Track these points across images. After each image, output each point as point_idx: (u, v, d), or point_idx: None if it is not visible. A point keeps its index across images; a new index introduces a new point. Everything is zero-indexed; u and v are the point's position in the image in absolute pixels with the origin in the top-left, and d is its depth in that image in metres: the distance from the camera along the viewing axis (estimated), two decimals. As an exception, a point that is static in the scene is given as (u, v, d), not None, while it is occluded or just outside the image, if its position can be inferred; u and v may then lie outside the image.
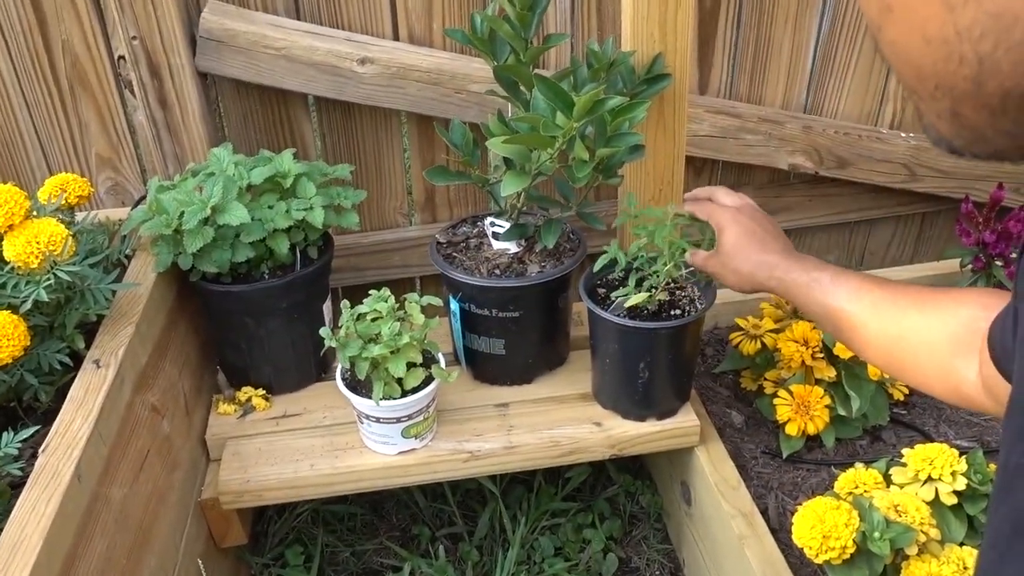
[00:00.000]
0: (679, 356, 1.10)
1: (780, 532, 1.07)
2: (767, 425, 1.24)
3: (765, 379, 1.26)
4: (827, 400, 1.18)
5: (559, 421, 1.16)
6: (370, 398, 1.03)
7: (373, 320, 1.04)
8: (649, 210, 1.11)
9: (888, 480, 1.01)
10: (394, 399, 1.04)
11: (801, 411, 1.17)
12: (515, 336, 1.16)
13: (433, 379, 1.07)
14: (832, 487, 1.03)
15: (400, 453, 1.11)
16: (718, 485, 1.11)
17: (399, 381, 1.04)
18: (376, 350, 1.01)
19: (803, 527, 0.93)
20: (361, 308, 1.04)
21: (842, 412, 1.18)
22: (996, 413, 0.71)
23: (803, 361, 1.19)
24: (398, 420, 1.07)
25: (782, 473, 1.17)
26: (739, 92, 1.50)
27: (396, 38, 1.36)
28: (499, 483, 1.34)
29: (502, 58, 1.10)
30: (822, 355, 1.20)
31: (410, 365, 1.04)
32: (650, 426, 1.15)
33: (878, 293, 0.82)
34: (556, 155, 1.01)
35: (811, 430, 1.17)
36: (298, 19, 1.32)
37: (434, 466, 1.12)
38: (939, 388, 0.76)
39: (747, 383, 1.30)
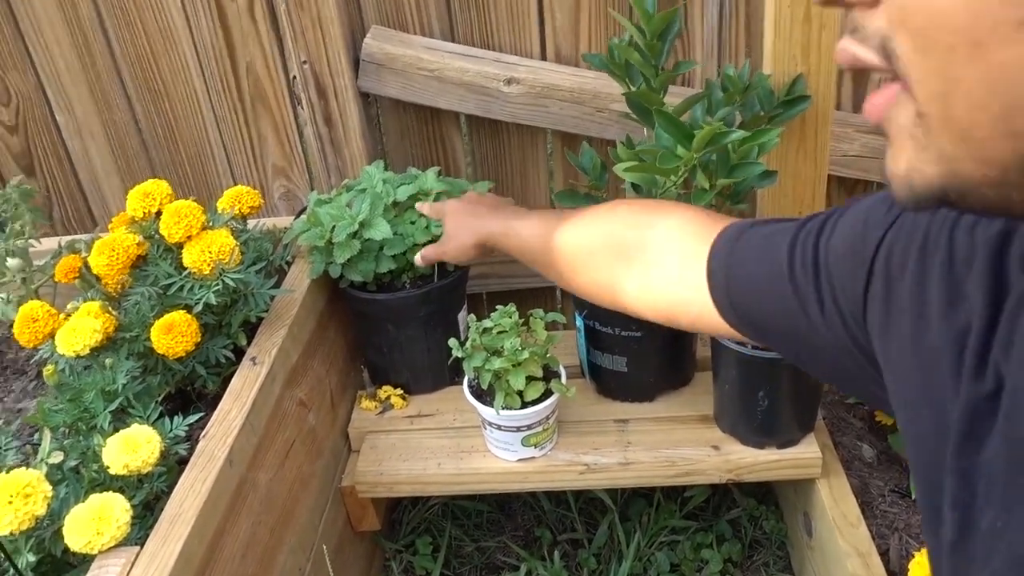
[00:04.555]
0: (800, 387, 1.09)
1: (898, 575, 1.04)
2: (900, 462, 1.20)
3: (901, 414, 1.21)
4: (966, 442, 1.12)
5: (677, 441, 1.17)
6: (492, 407, 1.10)
7: (498, 333, 1.11)
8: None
9: None
10: (514, 410, 1.10)
11: (935, 452, 1.12)
12: (637, 354, 1.19)
13: (552, 393, 1.12)
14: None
15: (520, 460, 1.17)
16: (836, 520, 1.09)
17: (519, 393, 1.10)
18: (498, 363, 1.07)
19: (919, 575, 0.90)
20: (487, 322, 1.11)
21: (983, 456, 1.11)
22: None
23: (942, 399, 1.14)
24: (518, 429, 1.13)
25: (910, 514, 1.13)
26: (896, 111, 1.43)
27: (544, 57, 1.41)
28: (619, 496, 1.37)
29: (637, 84, 1.12)
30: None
31: (530, 379, 1.09)
32: (768, 454, 1.14)
33: (567, 217, 0.88)
34: (680, 182, 1.03)
35: (945, 473, 1.11)
36: (453, 41, 1.40)
37: (551, 475, 1.17)
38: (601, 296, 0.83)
39: (882, 416, 1.25)
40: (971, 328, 0.42)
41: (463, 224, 1.06)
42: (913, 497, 1.14)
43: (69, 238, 1.24)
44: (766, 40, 1.17)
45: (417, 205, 1.19)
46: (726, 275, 0.68)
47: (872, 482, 1.18)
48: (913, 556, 0.97)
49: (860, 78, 1.41)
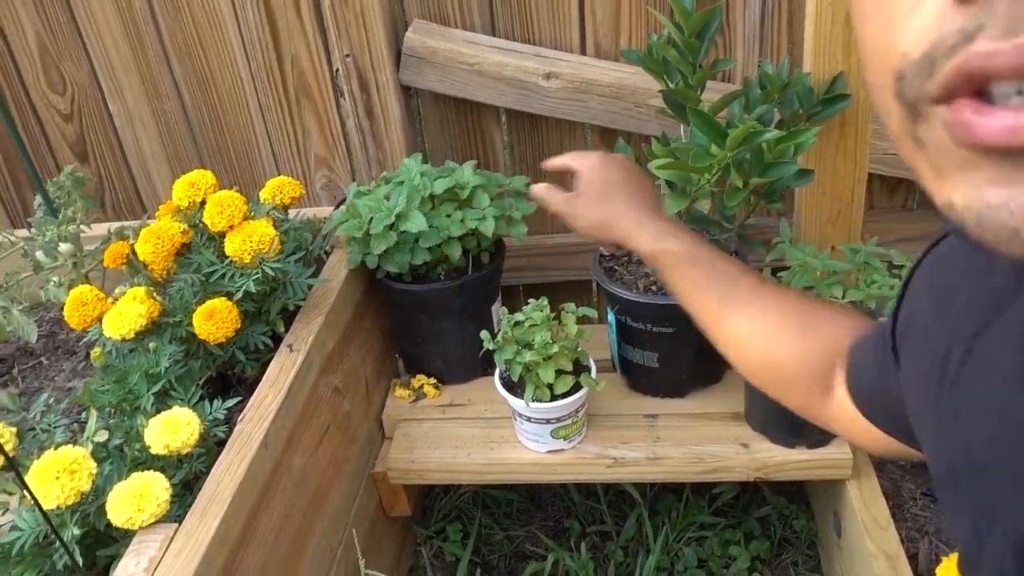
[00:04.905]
0: (832, 388, 1.08)
1: (927, 580, 1.03)
2: (933, 466, 1.18)
3: (936, 418, 1.19)
4: (1002, 448, 1.10)
5: (706, 438, 1.18)
6: (522, 398, 1.11)
7: (529, 327, 1.12)
8: (802, 246, 1.10)
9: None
10: (543, 402, 1.11)
11: (969, 457, 1.11)
12: (669, 351, 1.19)
13: (582, 387, 1.13)
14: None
15: (549, 452, 1.18)
16: (866, 522, 1.08)
17: (549, 386, 1.11)
18: (528, 356, 1.09)
19: (945, 580, 0.90)
20: (518, 316, 1.12)
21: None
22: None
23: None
24: (547, 421, 1.14)
25: (940, 519, 1.12)
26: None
27: (583, 52, 1.41)
28: (648, 490, 1.38)
29: (675, 80, 1.13)
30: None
31: (560, 372, 1.11)
32: (799, 453, 1.14)
33: (767, 298, 0.76)
34: (714, 180, 1.03)
35: (978, 478, 1.10)
36: (493, 35, 1.41)
37: (579, 468, 1.18)
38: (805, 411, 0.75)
39: (917, 419, 1.24)
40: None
41: (606, 196, 0.93)
42: (945, 502, 1.13)
43: (118, 224, 1.28)
44: (806, 38, 1.16)
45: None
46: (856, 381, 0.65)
47: (904, 485, 1.17)
48: (942, 561, 0.96)
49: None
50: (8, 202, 1.70)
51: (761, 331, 0.76)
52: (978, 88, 0.29)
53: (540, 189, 1.04)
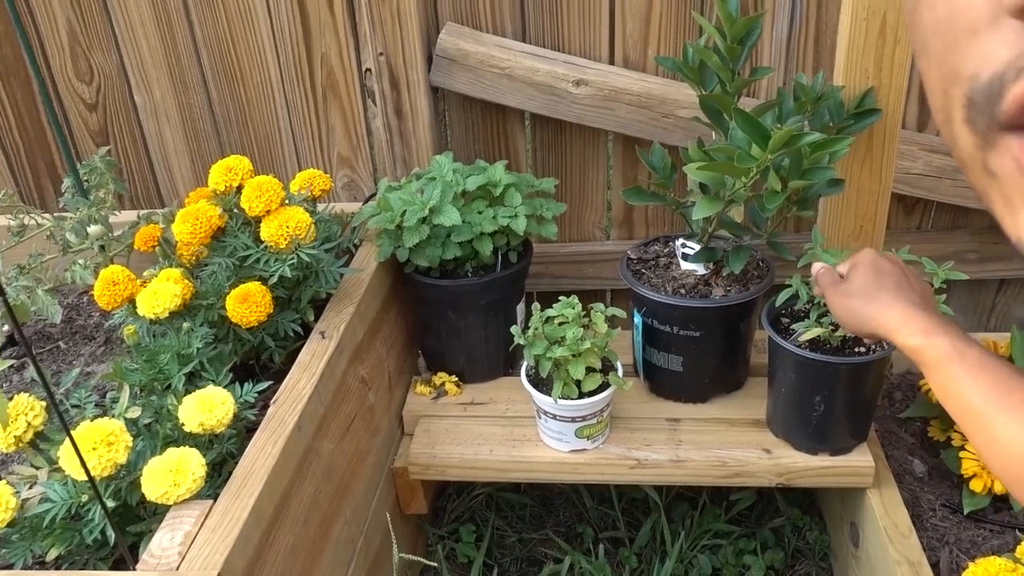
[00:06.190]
0: (858, 394, 1.09)
1: (950, 589, 1.04)
2: (951, 479, 1.20)
3: (954, 431, 1.21)
4: (1022, 461, 1.11)
5: (728, 443, 1.18)
6: (550, 395, 1.12)
7: (560, 324, 1.13)
8: (834, 251, 1.11)
9: (1078, 553, 0.95)
10: (571, 399, 1.12)
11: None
12: (693, 355, 1.20)
13: (609, 385, 1.13)
14: (1015, 552, 0.99)
15: (572, 451, 1.18)
16: (887, 530, 1.09)
17: (577, 383, 1.11)
18: (559, 351, 1.09)
19: (972, 585, 0.90)
20: (550, 312, 1.13)
21: (1038, 476, 1.11)
22: None
23: (999, 417, 1.14)
24: (573, 420, 1.14)
25: (961, 529, 1.13)
26: (961, 132, 1.44)
27: (612, 62, 1.43)
28: (664, 496, 1.38)
29: (709, 87, 1.14)
30: (1021, 414, 1.14)
31: (589, 370, 1.11)
32: (821, 460, 1.14)
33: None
34: (750, 184, 1.04)
35: (999, 489, 1.11)
36: (524, 41, 1.43)
37: (602, 468, 1.18)
38: None
39: (935, 433, 1.25)
40: None
41: (873, 293, 0.85)
42: (965, 513, 1.14)
43: (147, 211, 1.28)
44: (839, 52, 1.18)
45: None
46: None
47: (923, 496, 1.18)
48: (964, 569, 0.97)
49: (927, 99, 1.42)
50: (25, 190, 1.69)
51: None
52: None
53: (817, 267, 0.98)
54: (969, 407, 0.69)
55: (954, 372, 0.71)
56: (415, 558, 1.08)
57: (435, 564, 1.29)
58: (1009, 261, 1.53)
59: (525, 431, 1.23)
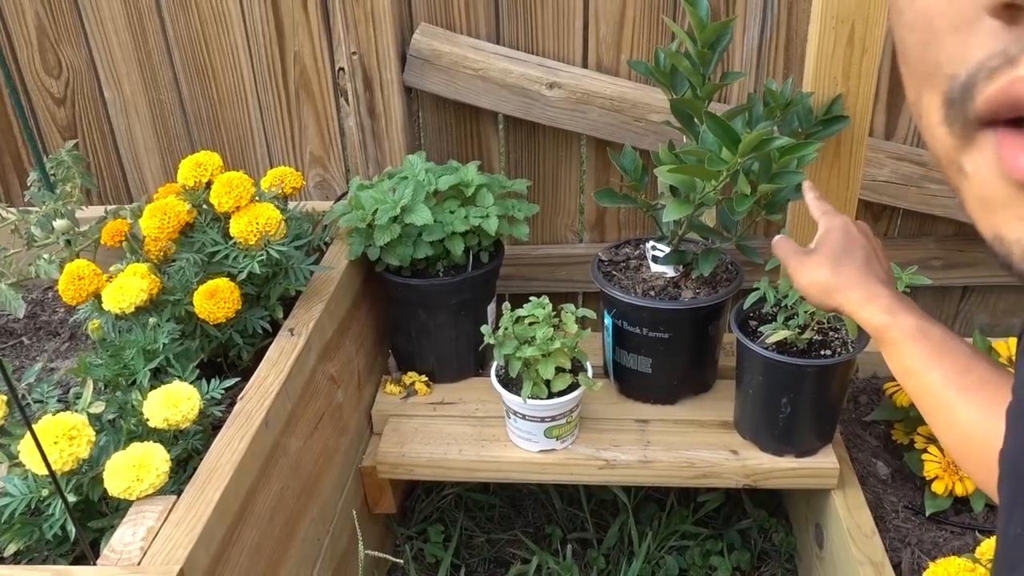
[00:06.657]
0: (823, 396, 1.11)
1: (911, 588, 1.05)
2: (914, 481, 1.21)
3: (918, 433, 1.23)
4: (982, 464, 1.13)
5: (696, 444, 1.19)
6: (519, 395, 1.12)
7: (530, 324, 1.13)
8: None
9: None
10: (541, 399, 1.12)
11: (951, 470, 1.14)
12: (662, 357, 1.21)
13: (579, 386, 1.14)
14: (975, 552, 1.00)
15: (541, 451, 1.18)
16: (851, 531, 1.10)
17: (547, 383, 1.12)
18: (529, 351, 1.09)
19: (932, 584, 0.91)
20: (521, 312, 1.13)
21: (997, 478, 1.13)
22: None
23: (960, 420, 1.16)
24: (542, 420, 1.15)
25: (923, 531, 1.14)
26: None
27: (585, 65, 1.44)
28: (632, 497, 1.38)
29: (681, 92, 1.16)
30: (982, 417, 1.16)
31: (559, 370, 1.12)
32: (787, 462, 1.16)
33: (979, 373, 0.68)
34: (720, 187, 1.05)
35: (960, 491, 1.13)
36: (498, 43, 1.44)
37: (571, 468, 1.18)
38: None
39: (899, 436, 1.27)
40: None
41: (842, 264, 0.83)
42: (927, 514, 1.16)
43: (114, 207, 1.27)
44: (808, 60, 1.20)
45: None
46: None
47: (886, 498, 1.20)
48: (925, 569, 0.98)
49: (894, 106, 1.44)
50: (-10, 184, 1.66)
51: (994, 421, 0.64)
52: (1021, 114, 0.28)
53: (777, 238, 0.95)
54: (929, 388, 0.70)
55: (917, 351, 0.71)
56: (380, 555, 1.07)
57: (401, 561, 1.28)
58: (973, 268, 1.56)
59: (494, 431, 1.23)
